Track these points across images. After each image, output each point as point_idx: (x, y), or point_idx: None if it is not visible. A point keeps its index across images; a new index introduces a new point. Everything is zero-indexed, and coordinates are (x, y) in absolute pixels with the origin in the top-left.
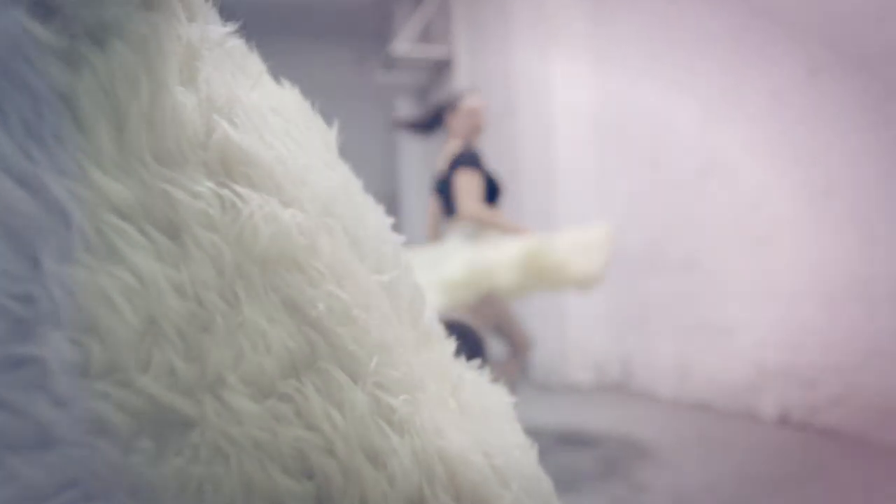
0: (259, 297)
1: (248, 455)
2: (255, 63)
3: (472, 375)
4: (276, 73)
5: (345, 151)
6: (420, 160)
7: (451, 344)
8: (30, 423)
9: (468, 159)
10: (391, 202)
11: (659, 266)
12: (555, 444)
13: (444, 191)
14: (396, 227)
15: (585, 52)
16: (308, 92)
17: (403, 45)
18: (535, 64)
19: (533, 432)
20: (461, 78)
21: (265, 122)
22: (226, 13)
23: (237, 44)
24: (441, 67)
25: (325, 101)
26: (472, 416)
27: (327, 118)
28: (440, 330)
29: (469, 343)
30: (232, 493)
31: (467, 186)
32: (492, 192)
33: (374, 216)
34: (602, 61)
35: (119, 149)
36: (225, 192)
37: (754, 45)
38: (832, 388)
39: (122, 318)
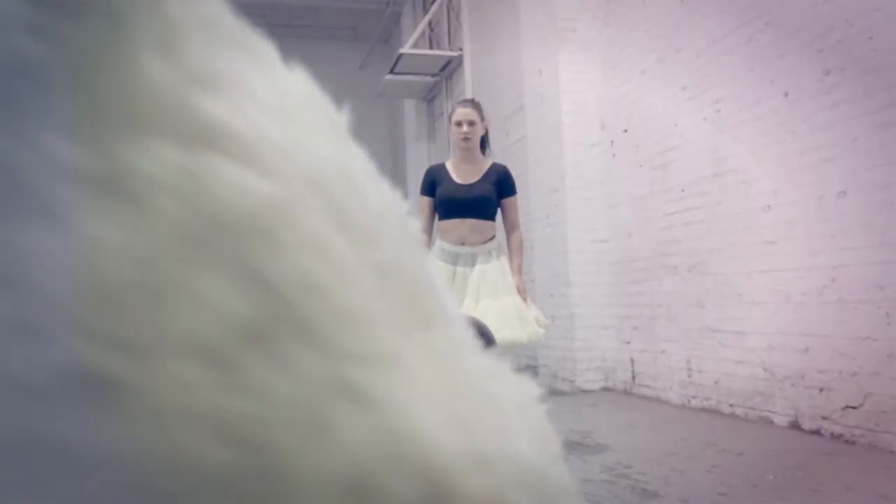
0: (218, 266)
1: (188, 425)
2: (253, 41)
3: (484, 361)
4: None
5: None
6: (427, 163)
7: (463, 331)
8: None
9: (422, 180)
10: None
11: (667, 269)
12: (562, 450)
13: None
14: None
15: (594, 54)
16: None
17: (411, 47)
18: (543, 66)
19: None
20: (469, 80)
21: (253, 98)
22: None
23: (232, 21)
24: (449, 69)
25: (332, 103)
26: (467, 400)
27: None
28: (451, 315)
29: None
30: (167, 463)
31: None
32: (444, 207)
33: (379, 197)
34: (611, 63)
35: (80, 115)
36: (193, 160)
37: (766, 45)
38: (845, 394)
39: (60, 279)
